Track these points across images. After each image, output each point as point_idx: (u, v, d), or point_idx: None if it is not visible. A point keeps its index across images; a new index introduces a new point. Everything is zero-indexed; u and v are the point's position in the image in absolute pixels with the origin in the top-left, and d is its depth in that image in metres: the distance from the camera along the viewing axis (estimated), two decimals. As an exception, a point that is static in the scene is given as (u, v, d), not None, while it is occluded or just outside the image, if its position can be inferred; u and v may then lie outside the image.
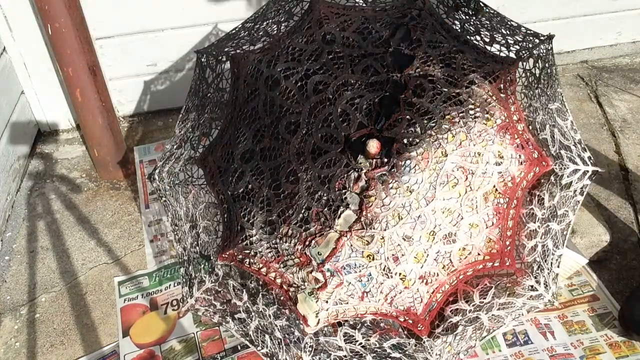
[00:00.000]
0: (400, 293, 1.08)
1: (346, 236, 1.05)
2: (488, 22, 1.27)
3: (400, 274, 1.07)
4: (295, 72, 1.13)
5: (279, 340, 1.15)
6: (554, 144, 1.16)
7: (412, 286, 1.08)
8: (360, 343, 1.13)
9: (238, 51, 1.27)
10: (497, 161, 1.09)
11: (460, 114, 1.07)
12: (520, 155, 1.10)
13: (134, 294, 1.47)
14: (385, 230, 1.05)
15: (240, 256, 1.12)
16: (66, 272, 1.54)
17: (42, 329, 1.41)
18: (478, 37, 1.23)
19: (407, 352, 1.12)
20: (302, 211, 1.06)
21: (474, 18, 1.23)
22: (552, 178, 1.15)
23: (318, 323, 1.09)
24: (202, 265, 1.24)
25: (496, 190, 1.10)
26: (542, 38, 1.23)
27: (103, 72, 1.76)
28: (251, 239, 1.10)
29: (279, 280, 1.12)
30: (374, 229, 1.05)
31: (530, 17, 2.15)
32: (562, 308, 1.41)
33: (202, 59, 1.33)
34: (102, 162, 1.81)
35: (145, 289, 1.48)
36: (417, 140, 1.05)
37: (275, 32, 1.28)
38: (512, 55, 1.21)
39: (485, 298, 1.12)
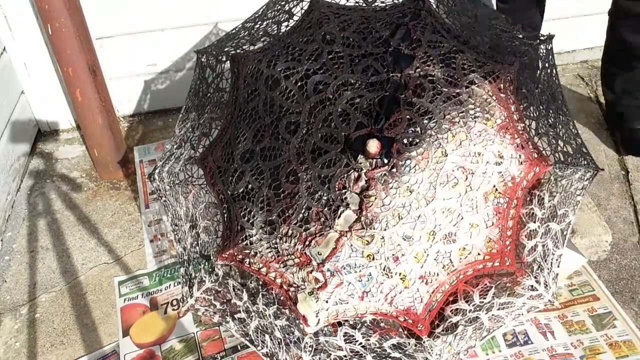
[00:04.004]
0: (400, 293, 1.08)
1: (346, 236, 1.05)
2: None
3: (400, 273, 1.07)
4: (295, 72, 1.13)
5: (279, 340, 1.15)
6: (554, 144, 1.16)
7: (412, 286, 1.08)
8: (360, 343, 1.13)
9: (238, 51, 1.27)
10: (497, 161, 1.09)
11: (460, 114, 1.07)
12: (520, 155, 1.10)
13: (134, 294, 1.47)
14: (385, 230, 1.05)
15: (240, 256, 1.12)
16: (66, 272, 1.54)
17: (42, 329, 1.41)
18: (478, 37, 1.23)
19: (407, 352, 1.12)
20: (302, 211, 1.06)
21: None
22: (552, 178, 1.15)
23: (318, 323, 1.09)
24: (202, 265, 1.24)
25: (496, 190, 1.10)
26: (542, 38, 1.23)
27: (103, 72, 1.76)
28: (251, 239, 1.10)
29: (279, 280, 1.12)
30: (374, 229, 1.05)
31: (530, 17, 2.15)
32: (562, 308, 1.41)
33: (202, 59, 1.33)
34: (102, 162, 1.81)
35: (146, 289, 1.48)
36: (417, 140, 1.05)
37: (275, 32, 1.28)
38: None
39: (485, 298, 1.12)
